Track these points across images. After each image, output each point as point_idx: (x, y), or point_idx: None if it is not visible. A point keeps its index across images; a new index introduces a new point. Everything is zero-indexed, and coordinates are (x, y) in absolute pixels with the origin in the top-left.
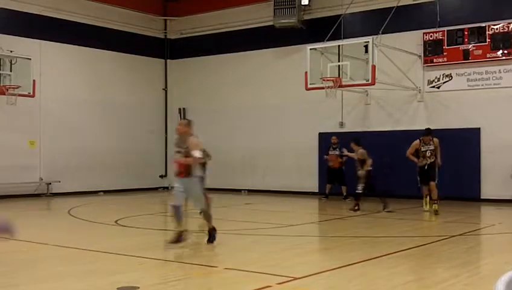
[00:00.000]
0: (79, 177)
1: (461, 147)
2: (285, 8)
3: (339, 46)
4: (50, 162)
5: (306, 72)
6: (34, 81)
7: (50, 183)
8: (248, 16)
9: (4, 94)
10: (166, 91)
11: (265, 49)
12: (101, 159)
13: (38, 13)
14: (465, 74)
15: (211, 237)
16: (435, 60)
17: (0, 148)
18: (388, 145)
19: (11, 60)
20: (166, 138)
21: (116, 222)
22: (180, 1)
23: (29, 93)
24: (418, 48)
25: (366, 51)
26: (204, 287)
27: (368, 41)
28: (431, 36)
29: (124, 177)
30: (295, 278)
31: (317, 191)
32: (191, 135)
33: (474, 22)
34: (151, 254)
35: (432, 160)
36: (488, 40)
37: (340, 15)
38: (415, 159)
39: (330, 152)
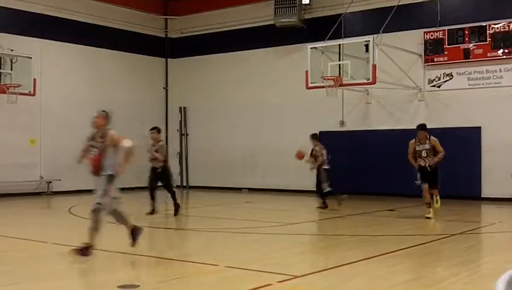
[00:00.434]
0: (79, 175)
1: (462, 146)
2: (285, 7)
3: (339, 45)
4: (50, 161)
5: (307, 71)
6: (34, 79)
7: (50, 182)
8: (249, 15)
9: (5, 93)
10: (166, 90)
11: (266, 48)
12: None
13: (39, 12)
14: (466, 73)
15: (134, 238)
16: (435, 59)
17: (0, 147)
18: (388, 144)
19: (11, 59)
20: (166, 136)
21: None
22: (180, 0)
23: (30, 92)
24: (419, 47)
25: (367, 50)
26: (205, 286)
27: (369, 41)
28: (432, 35)
29: (124, 175)
30: (295, 277)
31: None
32: (109, 128)
33: (475, 21)
34: (152, 252)
35: (430, 160)
36: (488, 39)
37: (341, 14)
38: (414, 165)
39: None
